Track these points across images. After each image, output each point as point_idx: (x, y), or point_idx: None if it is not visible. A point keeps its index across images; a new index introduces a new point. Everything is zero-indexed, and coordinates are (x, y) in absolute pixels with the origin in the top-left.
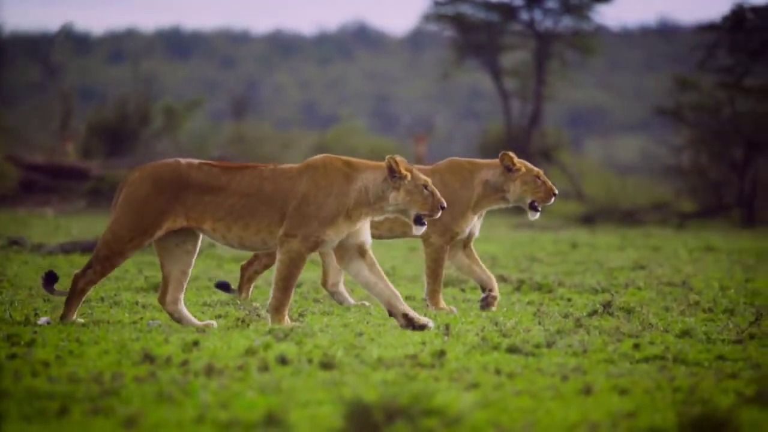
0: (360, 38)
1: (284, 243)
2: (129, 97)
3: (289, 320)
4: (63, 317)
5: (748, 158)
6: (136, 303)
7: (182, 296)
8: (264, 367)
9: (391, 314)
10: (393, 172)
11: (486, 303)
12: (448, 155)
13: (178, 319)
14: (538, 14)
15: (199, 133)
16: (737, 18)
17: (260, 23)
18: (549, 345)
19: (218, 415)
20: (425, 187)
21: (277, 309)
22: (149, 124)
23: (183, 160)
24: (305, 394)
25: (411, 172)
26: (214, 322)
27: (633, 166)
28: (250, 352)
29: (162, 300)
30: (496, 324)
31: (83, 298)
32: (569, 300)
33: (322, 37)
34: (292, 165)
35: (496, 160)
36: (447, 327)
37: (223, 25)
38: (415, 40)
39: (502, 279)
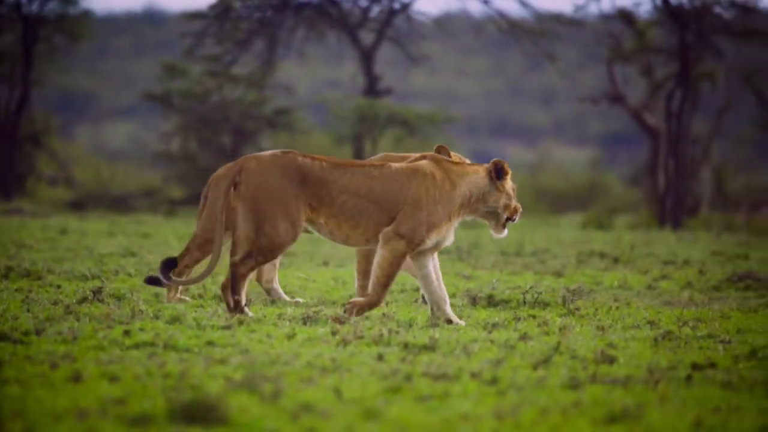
0: None
1: (390, 241)
2: None
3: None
4: (233, 308)
5: (236, 146)
6: None
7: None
8: None
9: (432, 311)
10: (501, 174)
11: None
12: None
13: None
14: None
15: None
16: (224, 7)
17: None
18: (38, 332)
19: None
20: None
21: (371, 305)
22: None
23: (296, 152)
24: None
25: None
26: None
27: (123, 152)
28: None
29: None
30: None
31: (246, 283)
32: (59, 287)
33: None
34: (399, 165)
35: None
36: None
37: None
38: None
39: None
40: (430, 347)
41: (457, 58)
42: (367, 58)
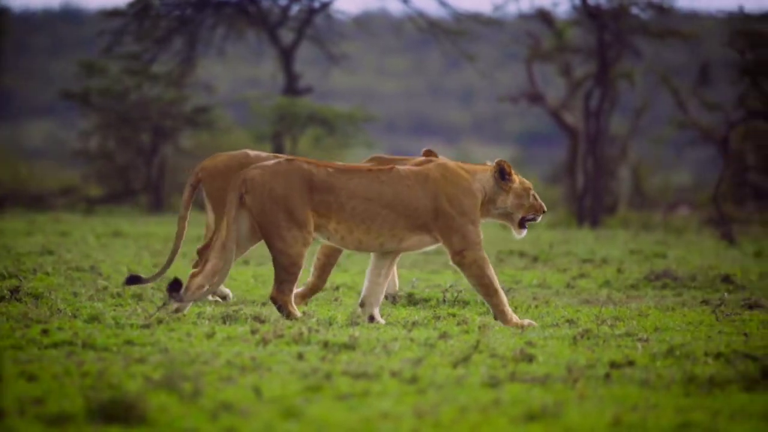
0: None
1: (462, 260)
2: None
3: (516, 317)
4: (288, 317)
5: (156, 144)
6: None
7: None
8: None
9: (361, 305)
10: (504, 175)
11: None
12: None
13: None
14: None
15: None
16: (143, 5)
17: None
18: None
19: None
20: (529, 191)
21: (503, 311)
22: None
23: (301, 159)
24: None
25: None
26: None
27: (40, 150)
28: None
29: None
30: None
31: (296, 304)
32: None
33: None
34: (407, 168)
35: None
36: None
37: None
38: None
39: None
40: (350, 346)
41: (376, 57)
42: (286, 56)
